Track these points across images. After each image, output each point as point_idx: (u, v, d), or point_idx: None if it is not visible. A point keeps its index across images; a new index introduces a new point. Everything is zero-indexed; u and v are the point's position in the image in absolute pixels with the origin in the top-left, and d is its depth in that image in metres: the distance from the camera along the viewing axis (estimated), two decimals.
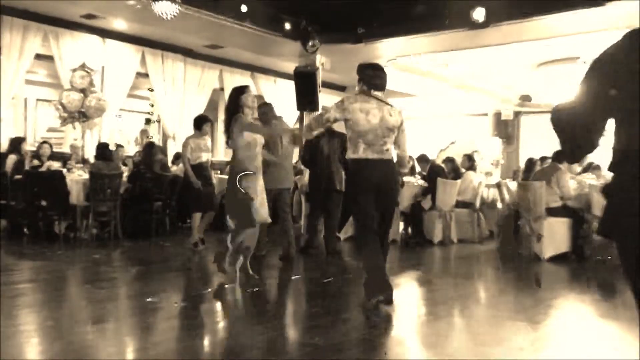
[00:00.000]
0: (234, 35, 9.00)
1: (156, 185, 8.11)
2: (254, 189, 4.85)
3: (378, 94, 4.30)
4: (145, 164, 8.07)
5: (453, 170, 8.80)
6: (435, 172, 8.39)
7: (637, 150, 1.78)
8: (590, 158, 10.13)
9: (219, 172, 10.12)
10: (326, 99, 8.52)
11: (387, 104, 4.30)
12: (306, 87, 9.07)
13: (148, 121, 11.15)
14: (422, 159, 8.91)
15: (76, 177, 7.63)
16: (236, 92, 5.01)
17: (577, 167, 7.82)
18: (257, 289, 4.94)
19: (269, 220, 5.16)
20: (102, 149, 7.89)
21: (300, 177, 8.74)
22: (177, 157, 9.31)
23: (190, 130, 7.28)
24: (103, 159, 7.67)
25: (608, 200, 2.04)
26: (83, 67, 8.65)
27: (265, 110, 6.47)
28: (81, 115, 8.60)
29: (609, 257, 6.47)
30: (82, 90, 8.56)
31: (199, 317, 4.12)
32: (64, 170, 7.73)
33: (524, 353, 3.26)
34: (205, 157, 7.03)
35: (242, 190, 4.77)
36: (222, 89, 11.97)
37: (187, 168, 6.92)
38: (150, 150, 8.22)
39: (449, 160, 9.26)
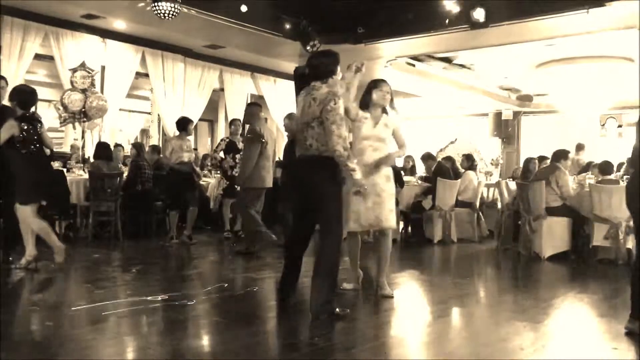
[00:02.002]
0: (234, 35, 8.99)
1: (156, 184, 8.12)
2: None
3: (317, 83, 4.01)
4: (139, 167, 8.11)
5: (452, 169, 8.81)
6: (440, 172, 8.39)
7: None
8: (590, 157, 10.14)
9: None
10: None
11: (317, 93, 3.94)
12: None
13: None
14: (428, 157, 8.88)
15: (76, 177, 7.64)
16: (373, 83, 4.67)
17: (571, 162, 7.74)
18: (255, 289, 4.94)
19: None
20: (102, 149, 7.94)
21: None
22: None
23: None
24: (103, 159, 7.71)
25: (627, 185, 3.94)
26: (83, 66, 8.64)
27: (254, 110, 6.80)
28: (82, 116, 8.59)
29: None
30: (84, 91, 8.56)
31: (197, 317, 4.11)
32: (64, 170, 7.73)
33: (524, 353, 3.26)
34: (186, 157, 7.42)
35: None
36: (222, 89, 11.97)
37: (171, 164, 7.38)
38: (137, 159, 8.26)
39: (449, 159, 9.26)
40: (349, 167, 3.84)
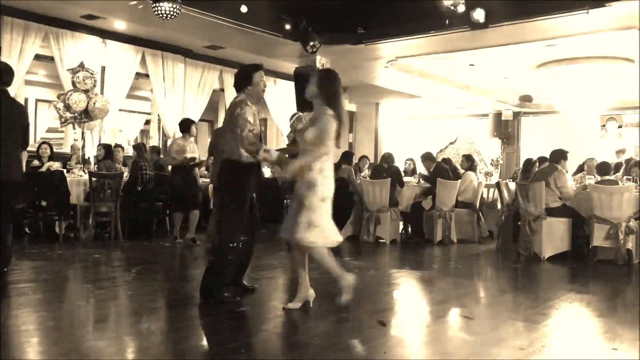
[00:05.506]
0: (234, 36, 8.99)
1: (157, 185, 8.13)
2: None
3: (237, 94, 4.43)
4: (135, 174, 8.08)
5: (451, 170, 8.82)
6: (439, 173, 8.39)
7: None
8: (589, 155, 10.14)
9: None
10: None
11: (231, 103, 4.43)
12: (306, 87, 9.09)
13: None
14: (427, 157, 8.88)
15: (76, 177, 7.64)
16: None
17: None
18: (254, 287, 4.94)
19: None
20: (108, 149, 8.17)
21: None
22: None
23: None
24: (110, 159, 7.91)
25: None
26: (82, 67, 8.65)
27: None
28: (84, 116, 8.60)
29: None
30: (86, 92, 8.57)
31: (197, 317, 4.11)
32: (64, 171, 7.73)
33: (523, 353, 3.26)
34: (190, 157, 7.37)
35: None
36: (222, 90, 11.96)
37: (172, 163, 7.42)
38: (137, 160, 8.20)
39: (446, 161, 9.27)
40: (260, 158, 4.14)
